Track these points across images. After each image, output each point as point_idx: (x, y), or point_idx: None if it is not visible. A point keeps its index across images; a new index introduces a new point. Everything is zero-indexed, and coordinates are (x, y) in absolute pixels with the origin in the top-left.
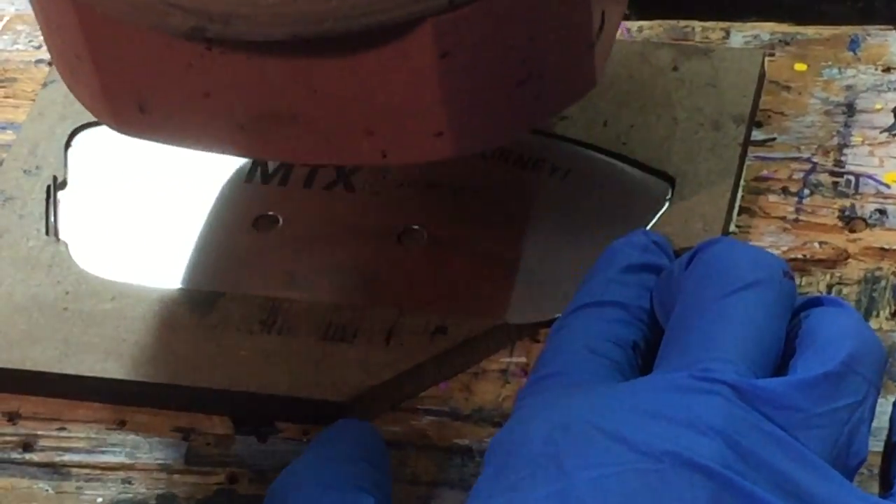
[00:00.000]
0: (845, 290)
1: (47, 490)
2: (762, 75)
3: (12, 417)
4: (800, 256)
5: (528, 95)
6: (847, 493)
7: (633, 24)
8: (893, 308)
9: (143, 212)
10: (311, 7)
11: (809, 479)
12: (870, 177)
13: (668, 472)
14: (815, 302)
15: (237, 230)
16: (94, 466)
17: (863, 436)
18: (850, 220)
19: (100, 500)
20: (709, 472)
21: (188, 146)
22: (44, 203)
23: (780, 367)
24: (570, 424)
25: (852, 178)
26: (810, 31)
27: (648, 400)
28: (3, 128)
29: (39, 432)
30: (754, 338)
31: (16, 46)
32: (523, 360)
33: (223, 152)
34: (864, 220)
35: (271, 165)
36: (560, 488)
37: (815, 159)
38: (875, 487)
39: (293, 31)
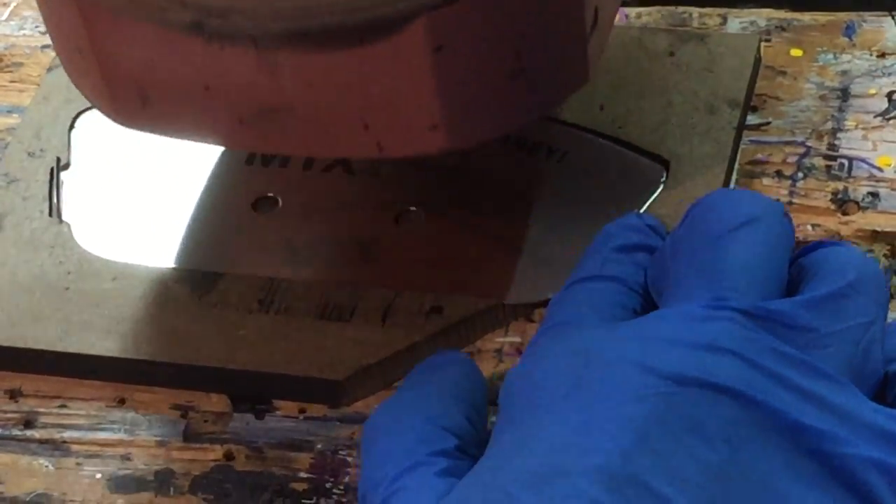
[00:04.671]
0: None
1: (47, 466)
2: (758, 60)
3: (14, 395)
4: None
5: (522, 89)
6: (864, 403)
7: (632, 11)
8: None
9: (145, 193)
10: (308, 2)
11: (826, 391)
12: (863, 160)
13: (694, 395)
14: (814, 246)
15: (237, 211)
16: (93, 443)
17: (876, 355)
18: (842, 203)
19: (99, 475)
20: (733, 393)
21: (189, 139)
22: (47, 185)
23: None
24: (588, 354)
25: (846, 161)
26: (806, 17)
27: (664, 329)
28: (9, 111)
29: (40, 409)
30: (760, 268)
31: (22, 32)
32: (518, 339)
33: (223, 145)
34: (856, 202)
35: None
36: (583, 419)
37: (809, 143)
38: None
39: (290, 26)
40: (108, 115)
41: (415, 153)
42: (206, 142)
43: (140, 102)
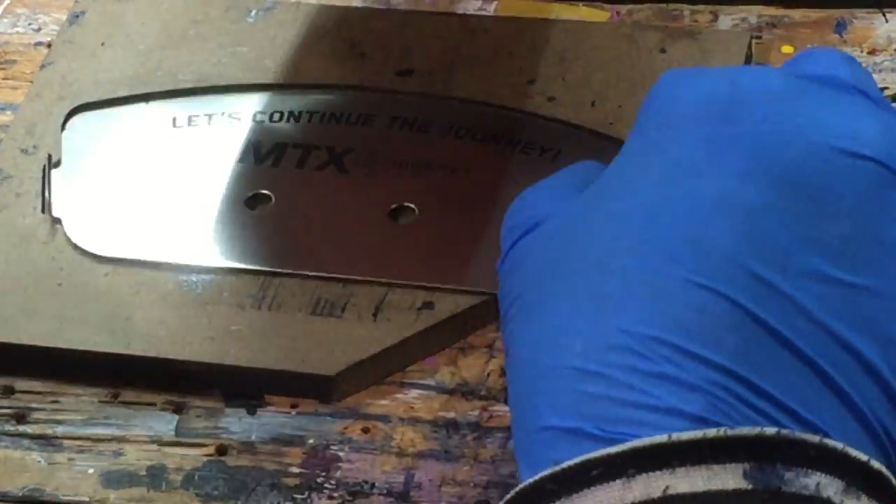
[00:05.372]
0: None
1: (40, 461)
2: (749, 57)
3: (7, 390)
4: None
5: None
6: None
7: (624, 7)
8: None
9: (137, 190)
10: None
11: None
12: None
13: (837, 160)
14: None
15: (230, 208)
16: (86, 438)
17: None
18: None
19: (91, 471)
20: (876, 162)
21: None
22: (40, 181)
23: None
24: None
25: None
26: (797, 14)
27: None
28: (2, 108)
29: (33, 405)
30: None
31: (15, 29)
32: None
33: None
34: None
35: (264, 147)
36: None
37: None
38: None
39: None
40: None
41: None
42: None
43: None
